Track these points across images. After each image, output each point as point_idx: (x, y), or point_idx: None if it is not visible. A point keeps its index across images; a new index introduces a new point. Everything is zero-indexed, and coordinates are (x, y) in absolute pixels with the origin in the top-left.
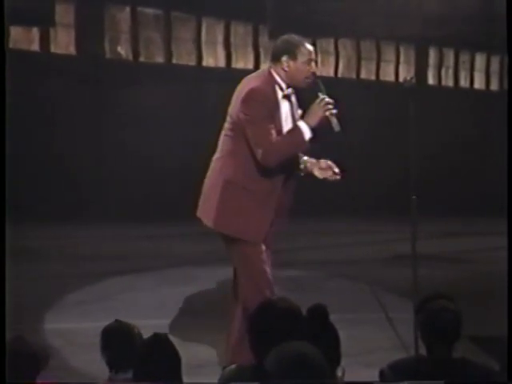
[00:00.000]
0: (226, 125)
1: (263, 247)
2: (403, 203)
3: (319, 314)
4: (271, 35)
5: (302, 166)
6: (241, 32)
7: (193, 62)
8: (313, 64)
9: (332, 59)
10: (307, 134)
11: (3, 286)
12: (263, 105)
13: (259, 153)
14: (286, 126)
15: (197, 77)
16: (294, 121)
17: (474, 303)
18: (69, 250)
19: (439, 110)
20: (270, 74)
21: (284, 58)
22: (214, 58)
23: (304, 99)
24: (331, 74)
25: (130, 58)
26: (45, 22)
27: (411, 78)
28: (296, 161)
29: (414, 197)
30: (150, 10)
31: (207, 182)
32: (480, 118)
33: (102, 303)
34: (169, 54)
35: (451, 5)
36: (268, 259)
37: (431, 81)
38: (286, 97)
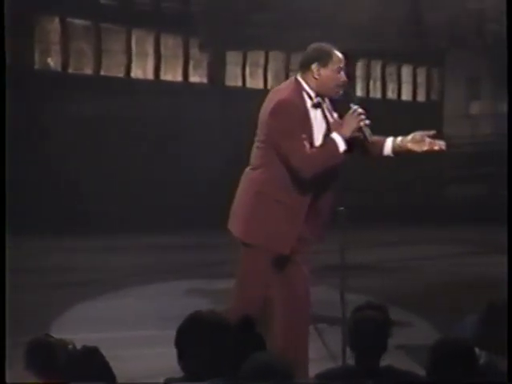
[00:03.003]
0: (257, 137)
1: (269, 261)
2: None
3: (248, 325)
4: (201, 47)
5: (389, 148)
6: (170, 44)
7: (121, 74)
8: (343, 73)
9: (260, 71)
10: (342, 145)
11: (3, 294)
12: (293, 115)
13: (294, 165)
14: (318, 134)
15: (125, 88)
16: (329, 127)
17: (403, 312)
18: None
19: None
20: (297, 82)
21: (314, 66)
22: (142, 70)
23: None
24: (260, 86)
25: (59, 69)
26: None
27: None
28: (334, 173)
29: (341, 208)
30: (79, 21)
31: (238, 194)
32: (408, 128)
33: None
34: (98, 66)
35: (379, 18)
36: (300, 274)
37: (359, 92)
38: (316, 105)
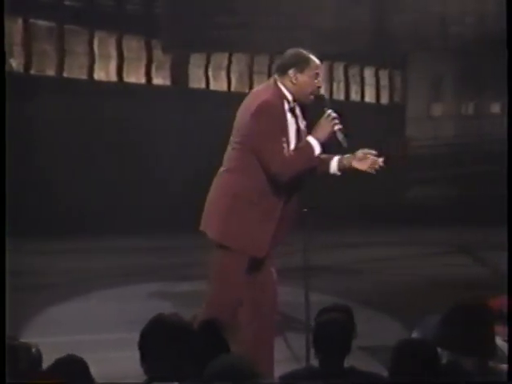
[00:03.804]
0: (233, 138)
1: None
2: (297, 216)
3: (210, 328)
4: (164, 49)
5: (334, 166)
6: (133, 46)
7: (84, 76)
8: (319, 78)
9: (224, 73)
10: (317, 149)
11: (3, 294)
12: (275, 118)
13: (273, 167)
14: (292, 139)
15: (88, 90)
16: (300, 133)
17: (368, 313)
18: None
19: None
20: (276, 86)
21: (291, 71)
22: (105, 72)
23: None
24: (224, 88)
25: (22, 70)
26: None
27: None
28: (306, 176)
29: (305, 209)
30: (42, 23)
31: (212, 195)
32: (371, 131)
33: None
34: (61, 67)
35: (342, 20)
36: (270, 276)
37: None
38: (291, 110)
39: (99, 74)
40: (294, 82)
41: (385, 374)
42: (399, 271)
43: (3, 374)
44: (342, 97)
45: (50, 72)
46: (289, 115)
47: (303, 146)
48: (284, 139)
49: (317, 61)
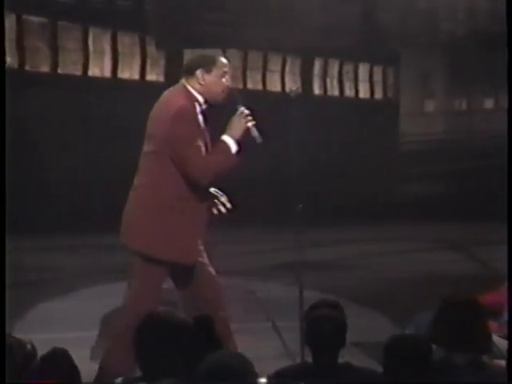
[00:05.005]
0: (148, 147)
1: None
2: (288, 212)
3: (204, 324)
4: (158, 45)
5: None
6: (127, 42)
7: (78, 72)
8: (227, 77)
9: None
10: (233, 147)
11: (3, 293)
12: (191, 123)
13: (194, 172)
14: (207, 141)
15: (82, 86)
16: (205, 135)
17: (360, 310)
18: None
19: (324, 120)
20: (186, 89)
21: (198, 72)
22: (99, 68)
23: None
24: None
25: (15, 66)
26: None
27: (297, 88)
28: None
29: (300, 205)
30: (35, 18)
31: (132, 206)
32: (365, 127)
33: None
34: (55, 63)
35: (334, 17)
36: (206, 275)
37: (317, 91)
38: (202, 112)
39: (93, 70)
40: (202, 82)
41: (378, 369)
42: (388, 267)
43: (3, 373)
44: (336, 93)
45: (44, 68)
46: (200, 118)
47: (219, 146)
48: (201, 144)
49: (224, 60)
